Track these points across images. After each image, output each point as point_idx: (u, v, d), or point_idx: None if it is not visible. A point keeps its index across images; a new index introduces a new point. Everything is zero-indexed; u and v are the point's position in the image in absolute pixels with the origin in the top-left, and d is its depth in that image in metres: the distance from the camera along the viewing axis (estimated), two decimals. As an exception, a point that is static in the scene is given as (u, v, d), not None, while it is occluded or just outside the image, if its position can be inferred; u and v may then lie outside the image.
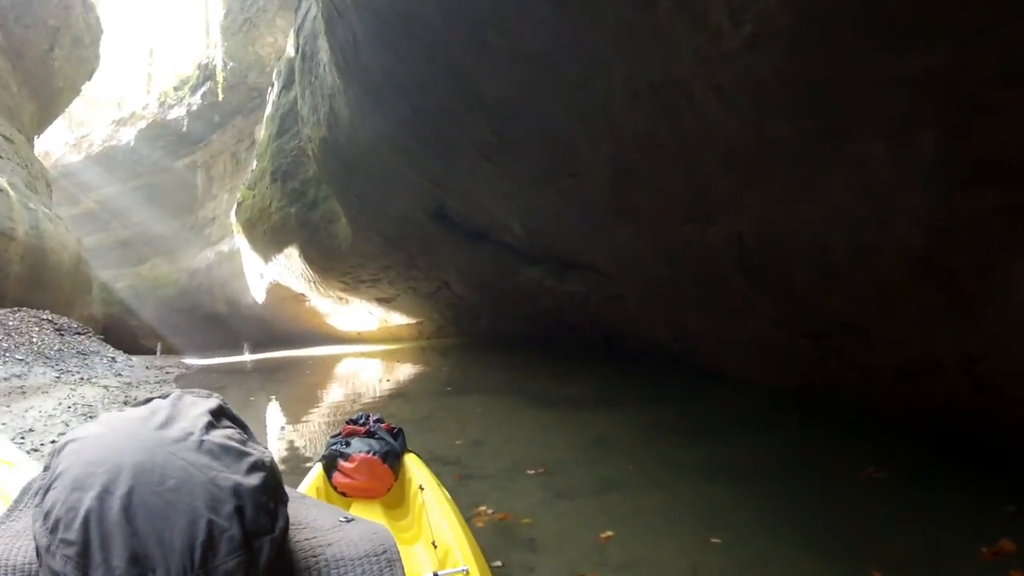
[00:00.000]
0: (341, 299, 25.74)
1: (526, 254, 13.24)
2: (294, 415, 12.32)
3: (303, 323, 32.53)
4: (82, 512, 0.84)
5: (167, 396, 1.08)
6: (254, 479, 0.93)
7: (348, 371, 20.92)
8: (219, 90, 43.07)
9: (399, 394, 13.08)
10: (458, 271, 17.06)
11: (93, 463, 0.89)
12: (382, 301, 23.70)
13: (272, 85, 27.60)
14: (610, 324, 13.26)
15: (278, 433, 10.50)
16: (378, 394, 13.48)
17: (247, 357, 33.34)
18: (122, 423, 0.98)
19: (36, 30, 30.58)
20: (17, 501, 1.15)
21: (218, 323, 43.52)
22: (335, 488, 4.22)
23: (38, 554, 0.89)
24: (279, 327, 35.80)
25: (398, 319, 24.88)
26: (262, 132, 28.24)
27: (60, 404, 11.64)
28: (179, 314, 45.76)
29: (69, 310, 27.99)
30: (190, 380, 20.50)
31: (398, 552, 1.12)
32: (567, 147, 8.39)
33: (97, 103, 63.86)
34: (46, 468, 0.96)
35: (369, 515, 3.84)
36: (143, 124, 49.54)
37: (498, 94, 8.57)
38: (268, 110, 27.14)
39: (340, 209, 20.34)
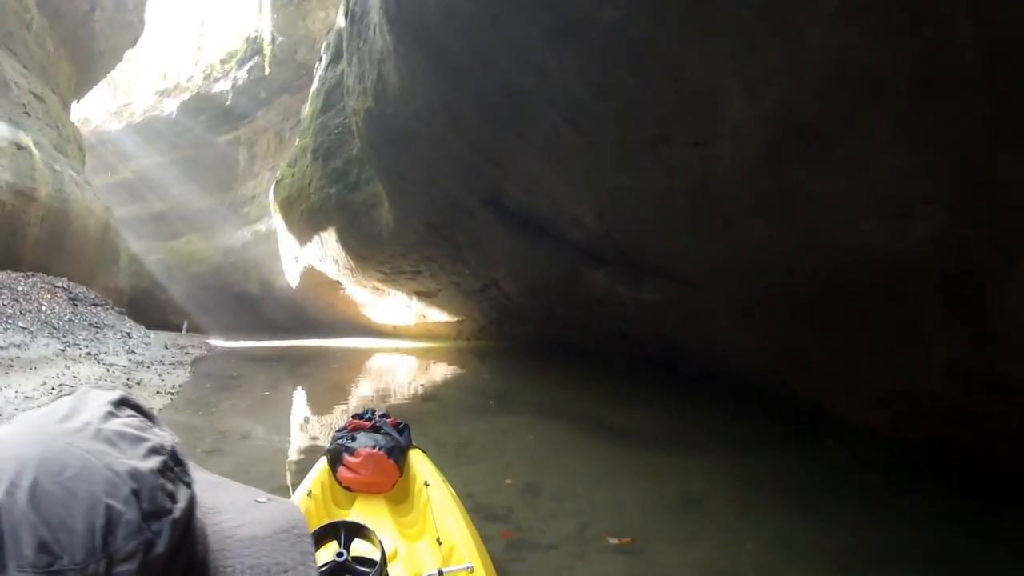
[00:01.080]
0: (378, 290, 25.03)
1: (593, 254, 11.62)
2: (305, 421, 10.96)
3: (337, 312, 31.98)
4: None
5: (73, 393, 1.04)
6: (151, 462, 0.92)
7: (378, 368, 19.58)
8: (266, 64, 42.54)
9: (433, 405, 11.50)
10: (510, 268, 15.57)
11: (2, 460, 0.87)
12: (422, 295, 22.89)
13: (320, 59, 27.02)
14: (685, 343, 11.54)
15: (286, 440, 9.20)
16: (409, 402, 11.94)
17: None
18: (28, 420, 0.96)
19: (76, -11, 29.90)
20: None
21: (250, 304, 43.05)
22: (340, 483, 4.23)
23: None
24: (312, 313, 35.38)
25: (437, 316, 24.07)
26: (306, 108, 27.61)
27: (44, 384, 10.86)
28: (210, 292, 45.27)
29: (92, 280, 27.77)
30: (208, 364, 19.14)
31: (307, 526, 1.11)
32: (702, 99, 6.17)
33: (144, 72, 63.11)
34: None
35: (374, 510, 3.94)
36: (186, 96, 49.33)
37: (608, 18, 6.27)
38: (314, 85, 26.66)
39: (383, 192, 19.30)
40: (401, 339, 28.39)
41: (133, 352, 16.97)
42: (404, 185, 16.57)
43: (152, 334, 22.71)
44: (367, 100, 15.45)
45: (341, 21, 21.01)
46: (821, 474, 6.81)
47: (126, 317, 23.59)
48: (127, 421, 0.98)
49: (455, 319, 23.37)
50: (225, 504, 1.10)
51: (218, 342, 30.71)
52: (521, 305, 17.65)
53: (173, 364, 16.94)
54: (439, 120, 11.96)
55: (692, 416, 9.64)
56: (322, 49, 27.07)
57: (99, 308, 21.74)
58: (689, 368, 12.05)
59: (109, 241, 31.39)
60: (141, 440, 0.94)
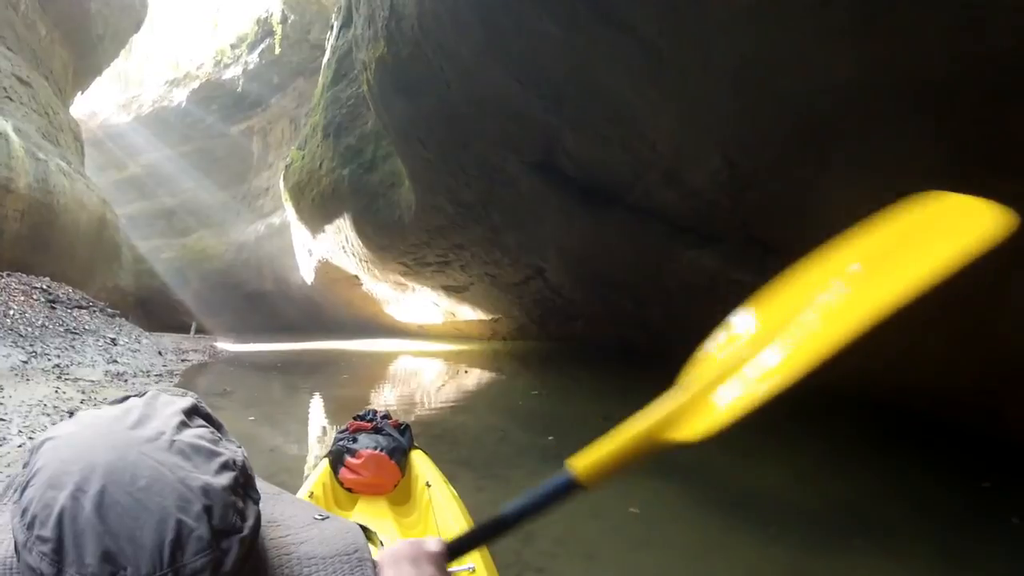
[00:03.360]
0: (400, 285, 23.06)
1: (696, 228, 8.72)
2: (288, 474, 7.68)
3: (356, 310, 30.30)
4: (56, 510, 0.86)
5: (143, 395, 1.08)
6: (223, 479, 0.93)
7: (399, 376, 17.05)
8: (276, 44, 40.61)
9: (469, 450, 7.94)
10: (562, 253, 12.86)
11: (67, 461, 0.90)
12: (450, 290, 20.68)
13: (331, 28, 25.10)
14: (840, 359, 8.43)
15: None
16: (437, 442, 8.49)
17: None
18: (97, 422, 0.98)
19: (68, -34, 28.43)
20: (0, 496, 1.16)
21: (263, 303, 41.83)
22: (341, 484, 4.13)
23: (16, 549, 0.90)
24: (329, 312, 33.93)
25: (468, 313, 21.83)
26: (318, 84, 25.47)
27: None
28: (224, 291, 44.00)
29: (87, 280, 26.73)
30: (203, 375, 17.04)
31: (369, 551, 1.15)
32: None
33: (156, 64, 62.29)
34: (25, 465, 0.97)
35: (375, 512, 3.88)
36: (196, 84, 47.56)
37: None
38: (325, 56, 24.65)
39: (402, 169, 16.90)
40: (427, 340, 26.35)
41: (115, 361, 15.38)
42: (427, 154, 13.88)
43: (145, 339, 20.83)
44: (379, 46, 12.88)
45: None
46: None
47: (120, 320, 22.17)
48: (200, 432, 0.98)
49: (489, 317, 21.02)
50: (284, 518, 1.16)
51: (226, 345, 29.27)
52: (572, 299, 14.99)
53: (159, 376, 14.95)
54: (473, 46, 9.21)
55: (857, 470, 6.60)
56: (333, 16, 25.13)
57: (83, 311, 20.10)
58: (841, 392, 9.04)
59: (107, 237, 30.03)
60: (214, 454, 0.95)
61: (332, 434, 8.52)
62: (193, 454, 0.93)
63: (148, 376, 14.34)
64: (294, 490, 3.88)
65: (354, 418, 4.71)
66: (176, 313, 42.51)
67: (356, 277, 25.25)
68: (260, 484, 1.06)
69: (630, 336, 14.06)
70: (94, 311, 20.75)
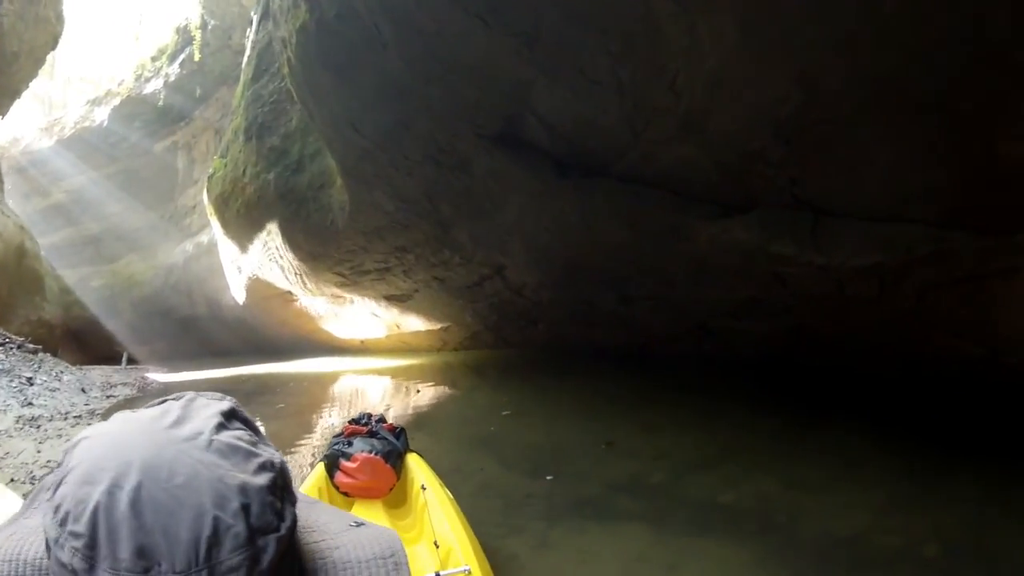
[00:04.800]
0: (338, 298, 21.28)
1: (706, 196, 6.92)
2: None
3: (292, 328, 28.57)
4: (91, 505, 0.88)
5: (180, 398, 1.11)
6: (262, 479, 0.96)
7: (343, 399, 15.39)
8: (196, 51, 38.73)
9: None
10: (529, 244, 10.94)
11: (103, 458, 0.93)
12: (393, 300, 18.91)
13: (250, 24, 23.41)
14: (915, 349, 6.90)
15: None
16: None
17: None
18: (134, 422, 1.02)
19: (-29, -24, 26.48)
20: (32, 499, 1.19)
21: (198, 328, 39.92)
22: (337, 488, 4.40)
23: (48, 547, 0.92)
24: (263, 333, 32.18)
25: (414, 324, 20.04)
26: (239, 84, 23.75)
27: None
28: (156, 317, 42.04)
29: (8, 313, 25.80)
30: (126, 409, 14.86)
31: (406, 555, 1.15)
32: None
33: (79, 85, 61.05)
34: (59, 464, 1.00)
35: (371, 515, 4.08)
36: (117, 101, 45.26)
37: None
38: (245, 54, 23.01)
39: (332, 164, 15.18)
40: (372, 356, 24.74)
41: (30, 404, 14.24)
42: (361, 140, 11.90)
43: (69, 375, 19.53)
44: (299, 12, 10.98)
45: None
46: None
47: (42, 356, 20.76)
48: (238, 434, 1.01)
49: (438, 326, 19.30)
50: (320, 524, 1.17)
51: (158, 375, 27.71)
52: (537, 300, 13.13)
53: (79, 417, 13.87)
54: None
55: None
56: (252, 11, 23.38)
57: (-7, 349, 18.63)
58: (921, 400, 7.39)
59: (27, 268, 28.63)
60: (253, 455, 0.98)
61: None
62: (231, 454, 0.94)
63: (66, 419, 13.28)
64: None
65: (349, 422, 4.98)
66: (111, 344, 41.18)
67: (290, 293, 23.55)
68: (297, 491, 1.05)
69: (604, 337, 12.46)
70: (10, 348, 19.42)
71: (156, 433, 0.94)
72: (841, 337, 7.79)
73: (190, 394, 1.10)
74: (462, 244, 12.69)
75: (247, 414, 1.11)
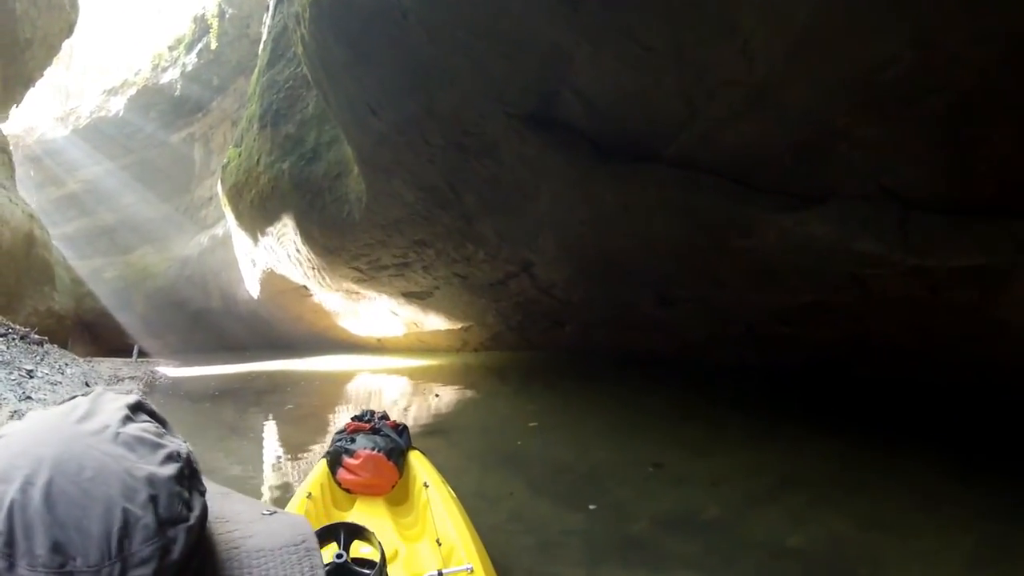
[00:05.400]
0: (354, 294, 20.76)
1: (774, 186, 6.07)
2: None
3: (307, 324, 28.23)
4: (6, 503, 0.87)
5: (89, 393, 1.10)
6: (168, 469, 0.96)
7: (358, 400, 14.59)
8: (213, 40, 38.55)
9: None
10: (562, 238, 10.12)
11: (16, 456, 0.92)
12: (412, 297, 18.36)
13: (267, 9, 22.92)
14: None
15: None
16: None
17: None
18: (44, 418, 1.01)
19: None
20: None
21: (211, 321, 39.67)
22: (339, 484, 4.40)
23: None
24: (279, 328, 31.73)
25: (434, 322, 19.52)
26: (254, 72, 23.32)
27: None
28: (169, 310, 41.95)
29: (15, 304, 25.69)
30: None
31: (316, 541, 1.16)
32: None
33: (97, 75, 60.84)
34: None
35: (373, 512, 4.10)
36: (133, 91, 45.17)
37: None
38: (262, 40, 22.41)
39: (349, 151, 14.48)
40: (388, 355, 24.37)
41: (28, 398, 13.33)
42: (379, 124, 11.06)
43: (73, 368, 18.85)
44: None
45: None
46: None
47: (47, 347, 20.10)
48: (144, 426, 1.02)
49: (458, 326, 18.74)
50: (232, 514, 1.15)
51: (169, 370, 27.78)
52: (566, 300, 12.32)
53: None
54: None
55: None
56: None
57: (-5, 339, 18.30)
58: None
59: (36, 257, 28.30)
60: (159, 446, 0.99)
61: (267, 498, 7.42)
62: (137, 445, 0.95)
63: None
64: (291, 492, 4.87)
65: (352, 419, 5.03)
66: (123, 336, 41.45)
67: (305, 287, 23.07)
68: (207, 482, 1.07)
69: (636, 341, 11.68)
70: (12, 339, 18.74)
71: (65, 428, 0.93)
72: (918, 348, 6.91)
73: (99, 388, 1.09)
74: (487, 238, 11.90)
75: (154, 407, 1.08)
